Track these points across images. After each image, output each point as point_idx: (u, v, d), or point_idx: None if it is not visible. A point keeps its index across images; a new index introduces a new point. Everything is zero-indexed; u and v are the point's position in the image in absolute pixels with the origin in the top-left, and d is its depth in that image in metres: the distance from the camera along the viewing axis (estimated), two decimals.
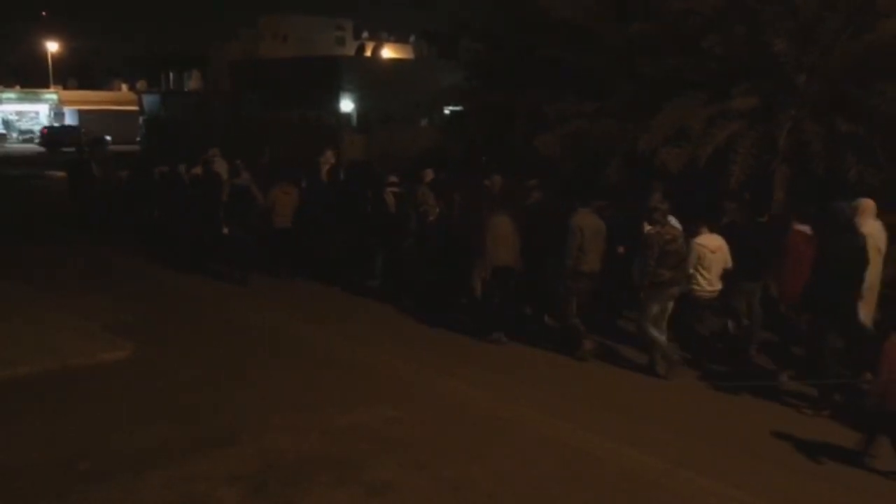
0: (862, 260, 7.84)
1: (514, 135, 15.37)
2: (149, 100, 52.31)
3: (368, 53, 54.97)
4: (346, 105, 41.04)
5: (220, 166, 14.21)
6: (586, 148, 13.32)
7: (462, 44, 20.92)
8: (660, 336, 8.63)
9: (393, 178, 12.55)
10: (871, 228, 8.45)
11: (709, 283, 8.70)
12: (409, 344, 9.91)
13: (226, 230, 12.66)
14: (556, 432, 7.21)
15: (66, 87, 64.06)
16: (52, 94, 61.11)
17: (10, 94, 60.31)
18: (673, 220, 8.93)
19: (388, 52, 61.77)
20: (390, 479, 6.23)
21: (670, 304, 8.67)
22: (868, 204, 8.56)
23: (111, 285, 12.61)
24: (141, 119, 50.57)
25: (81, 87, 66.03)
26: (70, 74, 68.02)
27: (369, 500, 5.95)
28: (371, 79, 40.01)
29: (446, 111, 27.03)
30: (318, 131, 29.20)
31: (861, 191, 10.75)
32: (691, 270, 8.61)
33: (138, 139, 48.62)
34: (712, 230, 8.85)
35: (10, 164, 37.68)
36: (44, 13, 76.56)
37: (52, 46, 65.85)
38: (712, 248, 8.64)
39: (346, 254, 12.56)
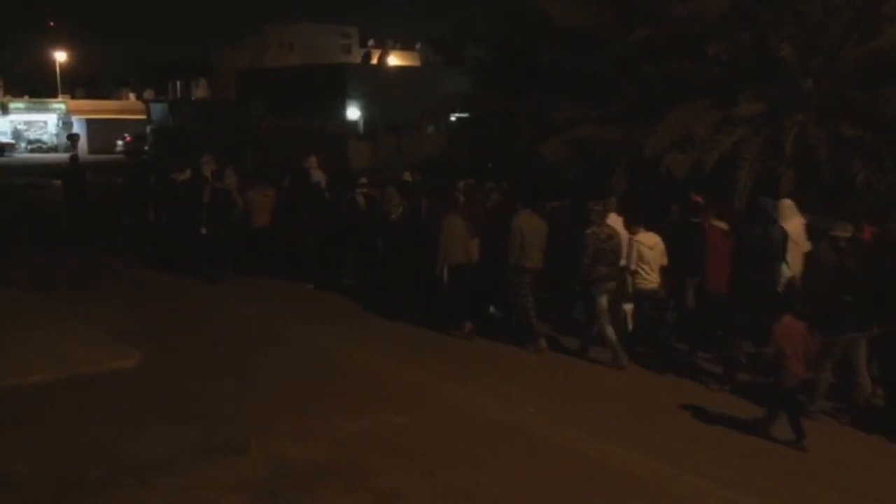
0: (777, 253, 8.57)
1: (520, 140, 15.39)
2: (156, 108, 52.58)
3: (374, 61, 55.10)
4: (353, 113, 41.09)
5: (209, 171, 14.74)
6: (592, 153, 13.33)
7: (467, 50, 20.98)
8: (612, 333, 9.24)
9: (363, 180, 13.42)
10: (791, 226, 8.87)
11: (649, 276, 9.23)
12: (407, 347, 9.94)
13: (204, 230, 13.17)
14: (563, 438, 7.21)
15: (74, 97, 64.40)
16: (60, 104, 61.45)
17: (19, 104, 60.67)
18: (613, 220, 9.50)
19: (393, 60, 61.88)
20: (398, 487, 6.24)
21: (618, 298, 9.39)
22: (786, 203, 9.26)
23: (112, 290, 12.74)
24: (148, 128, 50.85)
25: (89, 96, 66.39)
26: (78, 84, 68.40)
27: None
28: (377, 86, 40.05)
29: (452, 118, 27.06)
30: (323, 139, 29.29)
31: (867, 195, 10.77)
32: (633, 266, 9.21)
33: (146, 147, 48.89)
34: (649, 229, 9.37)
35: (18, 173, 37.86)
36: (51, 24, 77.09)
37: (60, 56, 66.26)
38: (649, 244, 9.19)
39: (323, 252, 12.89)
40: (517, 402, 8.06)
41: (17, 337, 9.77)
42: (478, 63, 19.14)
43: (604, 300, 9.16)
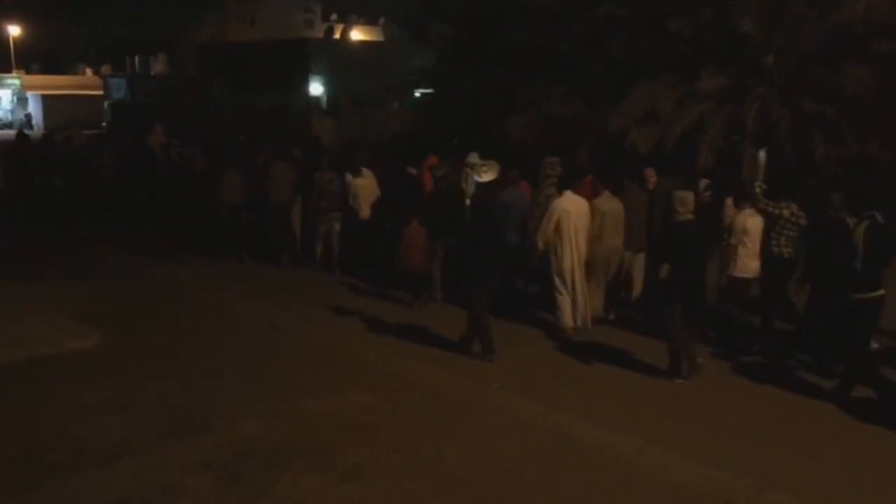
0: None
1: (486, 118, 15.35)
2: (114, 84, 51.44)
3: (337, 36, 54.51)
4: (316, 88, 40.67)
5: (61, 138, 17.95)
6: (557, 130, 13.35)
7: (432, 26, 20.81)
8: (319, 249, 12.12)
9: (176, 142, 16.23)
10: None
11: (363, 211, 11.80)
12: (367, 323, 9.85)
13: (59, 183, 16.34)
14: (528, 413, 7.22)
15: (29, 72, 62.74)
16: (14, 80, 59.73)
17: None
18: (367, 173, 11.94)
19: (357, 35, 61.25)
20: (363, 465, 6.21)
21: (336, 225, 11.97)
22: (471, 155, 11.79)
23: (59, 268, 12.63)
24: (106, 104, 49.77)
25: (46, 71, 64.71)
26: (35, 59, 66.63)
27: (342, 486, 5.94)
28: (341, 62, 39.63)
29: (417, 94, 26.89)
30: (287, 115, 28.92)
31: (827, 169, 10.91)
32: (351, 202, 11.77)
33: (103, 123, 47.87)
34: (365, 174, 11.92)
35: None
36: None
37: (14, 30, 64.40)
38: (363, 185, 11.78)
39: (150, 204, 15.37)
40: (480, 377, 8.06)
41: None
42: (443, 39, 19.00)
43: (323, 227, 11.94)
